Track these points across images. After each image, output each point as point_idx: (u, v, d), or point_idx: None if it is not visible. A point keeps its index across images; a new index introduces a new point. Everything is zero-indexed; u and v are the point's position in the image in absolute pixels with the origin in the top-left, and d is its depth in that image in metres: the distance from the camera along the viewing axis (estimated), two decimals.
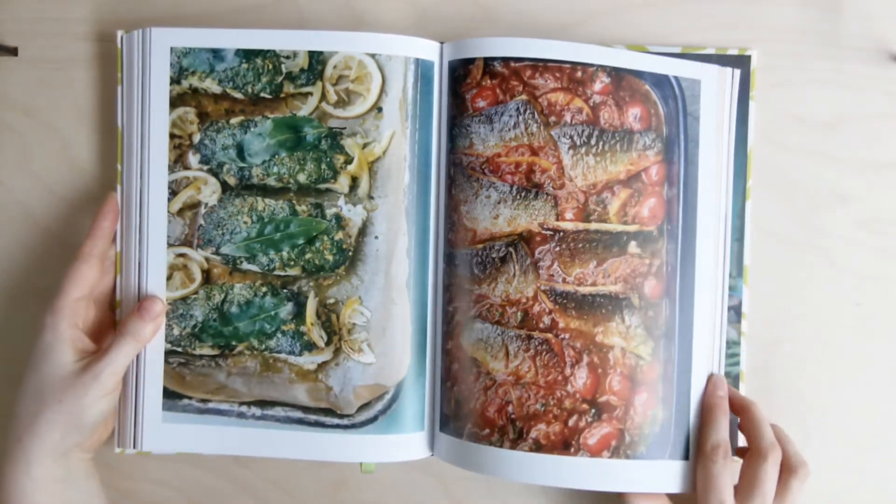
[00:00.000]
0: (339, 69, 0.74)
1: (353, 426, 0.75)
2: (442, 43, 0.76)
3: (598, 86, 0.74)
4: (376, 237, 0.75)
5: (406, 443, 0.75)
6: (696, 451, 0.73)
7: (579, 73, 0.74)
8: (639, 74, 0.75)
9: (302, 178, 0.75)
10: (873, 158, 0.78)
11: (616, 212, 0.74)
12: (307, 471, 0.81)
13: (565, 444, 0.73)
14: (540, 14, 0.79)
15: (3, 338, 0.81)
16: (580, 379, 0.73)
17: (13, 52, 0.79)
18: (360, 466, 0.77)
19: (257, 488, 0.81)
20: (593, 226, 0.74)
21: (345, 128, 0.74)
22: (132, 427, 0.75)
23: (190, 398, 0.75)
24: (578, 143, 0.74)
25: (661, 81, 0.75)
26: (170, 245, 0.75)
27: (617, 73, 0.74)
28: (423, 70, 0.75)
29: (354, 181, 0.75)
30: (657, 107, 0.75)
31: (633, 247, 0.74)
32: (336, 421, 0.75)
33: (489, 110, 0.74)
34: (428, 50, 0.75)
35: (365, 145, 0.74)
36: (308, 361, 0.75)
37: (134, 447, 0.75)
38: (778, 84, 0.78)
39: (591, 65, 0.74)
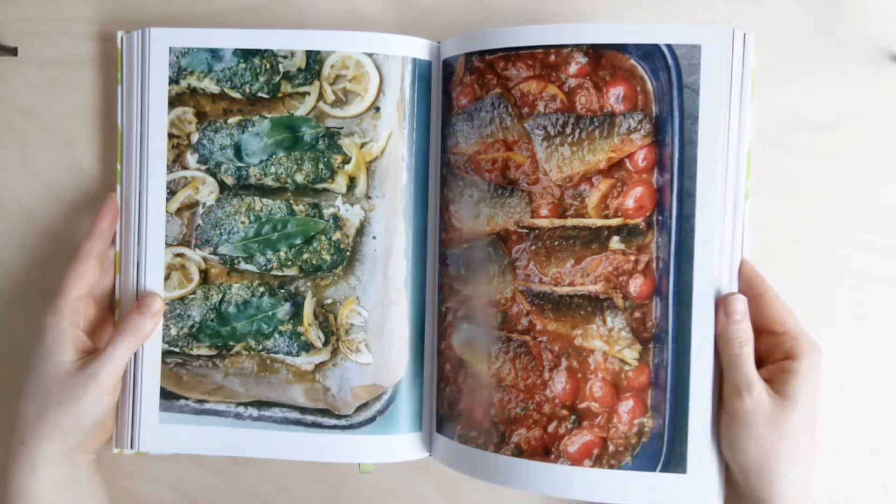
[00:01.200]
0: (337, 69, 0.74)
1: (350, 427, 0.74)
2: (439, 42, 0.76)
3: (573, 68, 0.69)
4: (374, 237, 0.74)
5: (404, 443, 0.75)
6: (720, 403, 0.67)
7: (552, 58, 0.70)
8: (622, 48, 0.68)
9: (299, 177, 0.75)
10: (873, 158, 0.78)
11: (595, 205, 0.69)
12: (308, 471, 0.81)
13: (545, 451, 0.70)
14: (541, 13, 0.79)
15: (3, 338, 0.81)
16: (559, 384, 0.70)
17: (13, 52, 0.80)
18: (358, 467, 0.77)
19: (257, 488, 0.81)
20: (570, 221, 0.70)
21: (342, 127, 0.74)
22: (129, 427, 0.75)
23: (187, 399, 0.75)
24: (552, 133, 0.70)
25: (649, 53, 0.68)
26: (167, 245, 0.75)
27: (595, 51, 0.69)
28: (420, 70, 0.75)
29: (352, 181, 0.74)
30: (644, 83, 0.68)
31: (615, 242, 0.69)
32: (333, 422, 0.75)
33: (469, 107, 0.72)
34: (426, 49, 0.75)
35: (362, 145, 0.74)
36: (305, 362, 0.75)
37: (131, 448, 0.75)
38: (778, 84, 0.78)
39: (566, 46, 0.69)
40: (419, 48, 0.75)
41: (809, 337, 0.67)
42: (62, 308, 0.72)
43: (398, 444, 0.75)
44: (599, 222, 0.69)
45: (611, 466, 0.69)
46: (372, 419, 0.74)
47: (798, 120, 0.78)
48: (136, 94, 0.75)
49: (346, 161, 0.74)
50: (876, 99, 0.78)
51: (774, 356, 0.67)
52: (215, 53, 0.74)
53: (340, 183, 0.74)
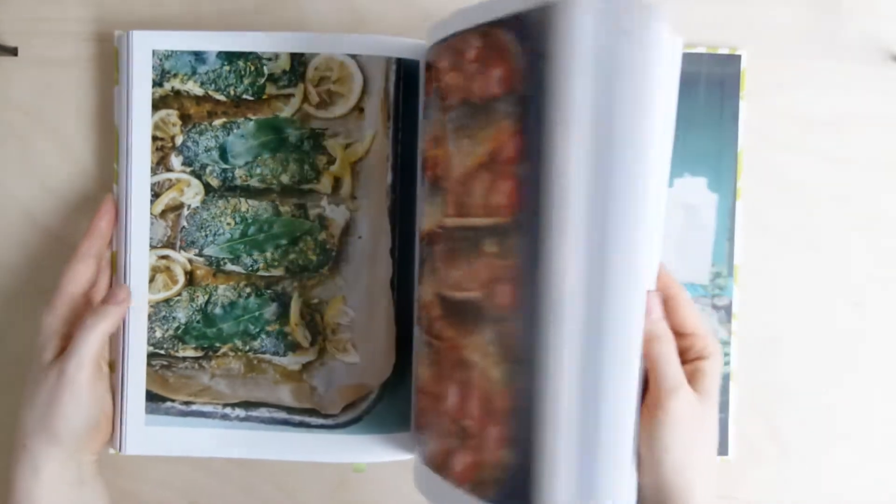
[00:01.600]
0: (321, 70, 0.74)
1: (336, 426, 0.74)
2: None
3: (472, 53, 0.60)
4: (359, 237, 0.74)
5: (391, 443, 0.75)
6: (644, 402, 0.59)
7: (460, 45, 0.62)
8: (501, 24, 0.58)
9: (285, 178, 0.75)
10: (873, 158, 0.78)
11: (479, 203, 0.59)
12: (306, 471, 0.81)
13: (441, 465, 0.64)
14: None
15: (2, 337, 0.81)
16: (452, 396, 0.62)
17: (13, 52, 0.80)
18: (351, 466, 0.78)
19: (256, 488, 0.81)
20: (464, 221, 0.61)
21: (327, 128, 0.74)
22: (117, 430, 0.75)
23: (173, 401, 0.75)
24: (458, 126, 0.62)
25: (520, 23, 0.56)
26: (152, 247, 0.75)
27: (484, 32, 0.59)
28: (407, 70, 0.74)
29: (337, 181, 0.74)
30: (516, 59, 0.57)
31: (489, 244, 0.58)
32: (321, 421, 0.75)
33: (425, 105, 0.71)
34: (413, 49, 0.74)
35: (347, 146, 0.74)
36: (292, 362, 0.75)
37: (119, 450, 0.75)
38: (777, 84, 0.78)
39: (468, 30, 0.61)
40: (406, 48, 0.74)
41: (714, 337, 0.66)
42: (60, 307, 0.72)
43: (385, 444, 0.74)
44: (478, 221, 0.60)
45: (481, 496, 0.59)
46: (358, 419, 0.74)
47: (798, 120, 0.78)
48: (124, 96, 0.75)
49: (331, 162, 0.74)
50: (876, 99, 0.78)
51: (687, 356, 0.65)
52: (199, 56, 0.74)
53: (325, 183, 0.74)
